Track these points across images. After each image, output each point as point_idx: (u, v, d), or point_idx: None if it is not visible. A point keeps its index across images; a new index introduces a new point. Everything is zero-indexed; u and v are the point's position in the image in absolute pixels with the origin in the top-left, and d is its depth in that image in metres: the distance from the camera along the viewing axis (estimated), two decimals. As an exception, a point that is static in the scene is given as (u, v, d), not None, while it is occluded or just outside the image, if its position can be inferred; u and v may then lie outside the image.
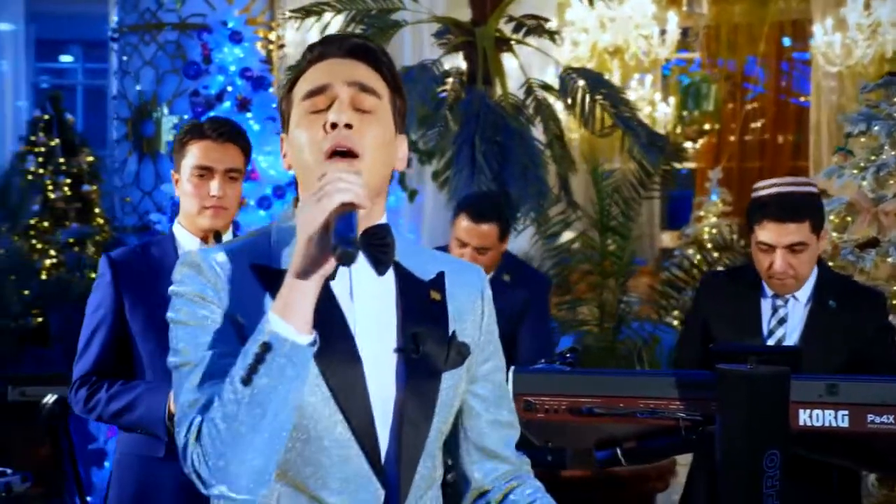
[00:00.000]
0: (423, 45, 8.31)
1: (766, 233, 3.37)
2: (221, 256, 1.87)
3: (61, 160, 9.98)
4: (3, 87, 11.17)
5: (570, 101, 5.77)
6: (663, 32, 11.53)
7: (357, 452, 1.83)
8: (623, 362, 6.07)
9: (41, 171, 9.89)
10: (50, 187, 9.86)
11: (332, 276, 1.73)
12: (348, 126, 1.84)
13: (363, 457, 1.83)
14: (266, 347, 1.69)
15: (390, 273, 1.92)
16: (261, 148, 6.78)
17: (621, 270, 6.39)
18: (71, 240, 9.65)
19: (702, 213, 10.51)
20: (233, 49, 6.65)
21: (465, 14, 6.53)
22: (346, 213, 1.70)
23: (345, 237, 1.66)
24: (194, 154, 3.30)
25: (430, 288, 1.95)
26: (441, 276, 1.98)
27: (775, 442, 2.78)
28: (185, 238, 3.33)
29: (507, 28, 6.36)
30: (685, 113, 12.62)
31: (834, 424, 2.89)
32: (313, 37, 6.51)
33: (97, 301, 3.31)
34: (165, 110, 7.58)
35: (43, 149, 9.96)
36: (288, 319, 1.70)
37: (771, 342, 3.47)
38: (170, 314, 1.85)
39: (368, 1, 6.01)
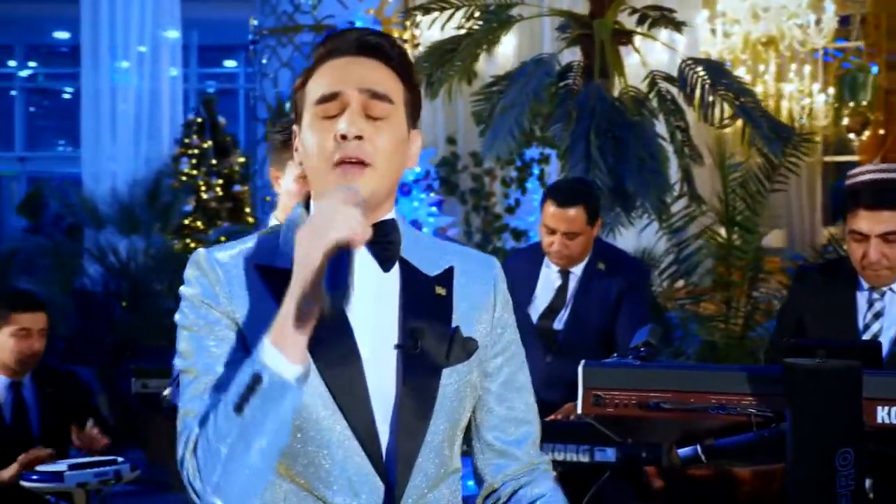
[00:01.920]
0: (545, 40, 8.26)
1: (859, 221, 3.23)
2: (225, 256, 1.86)
3: (213, 161, 10.31)
4: (160, 93, 11.58)
5: (689, 92, 5.65)
6: (818, 21, 11.17)
7: (358, 451, 1.82)
8: (750, 359, 5.91)
9: (194, 172, 10.25)
10: (203, 188, 10.20)
11: None
12: (358, 137, 1.83)
13: (364, 455, 1.82)
14: (257, 379, 1.70)
15: (395, 269, 1.90)
16: (388, 146, 6.86)
17: (748, 265, 6.23)
18: (222, 238, 9.96)
19: (857, 207, 10.11)
20: (360, 49, 6.75)
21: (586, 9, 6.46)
22: (342, 252, 1.68)
23: (334, 288, 1.64)
24: None
25: (435, 283, 1.92)
26: (449, 271, 1.95)
27: (848, 440, 2.67)
28: None
29: (630, 21, 6.27)
30: (851, 104, 12.22)
31: (914, 422, 2.75)
32: (443, 34, 6.53)
33: None
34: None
35: (196, 151, 10.31)
36: (282, 350, 1.71)
37: (866, 337, 3.32)
38: (177, 316, 1.86)
39: (487, -4, 6.02)
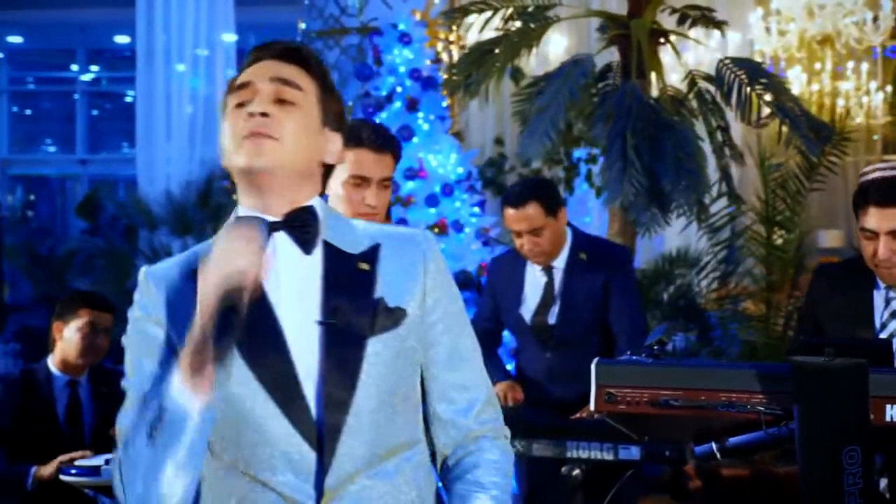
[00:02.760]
0: (593, 41, 8.24)
1: (869, 218, 3.24)
2: (161, 269, 1.99)
3: (265, 163, 10.39)
4: (215, 96, 11.68)
5: (727, 91, 5.62)
6: (875, 19, 11.03)
7: (290, 431, 1.89)
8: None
9: (247, 173, 10.32)
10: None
11: None
12: (265, 115, 1.92)
13: (298, 433, 1.89)
14: (163, 410, 1.81)
15: (319, 251, 1.97)
16: (430, 147, 6.93)
17: (787, 265, 6.19)
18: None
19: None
20: (402, 50, 6.80)
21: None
22: (231, 298, 1.78)
23: (219, 343, 1.78)
24: (351, 161, 3.24)
25: (358, 260, 1.99)
26: (374, 247, 2.01)
27: (855, 438, 2.67)
28: None
29: (671, 20, 6.26)
30: (896, 101, 12.07)
31: (924, 421, 2.74)
32: (487, 36, 6.57)
33: None
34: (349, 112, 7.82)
35: (248, 152, 10.39)
36: (187, 384, 1.80)
37: (884, 335, 3.32)
38: (123, 339, 1.99)
39: (526, -2, 6.03)
